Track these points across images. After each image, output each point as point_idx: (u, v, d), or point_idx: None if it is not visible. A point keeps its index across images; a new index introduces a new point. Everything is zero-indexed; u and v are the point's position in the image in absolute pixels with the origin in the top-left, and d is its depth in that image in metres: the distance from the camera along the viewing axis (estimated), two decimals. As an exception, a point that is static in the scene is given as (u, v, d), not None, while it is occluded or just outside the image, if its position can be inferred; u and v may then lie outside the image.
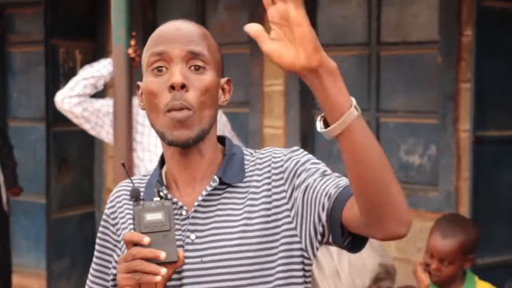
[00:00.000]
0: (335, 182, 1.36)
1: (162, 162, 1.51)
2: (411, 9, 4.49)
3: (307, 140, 4.77)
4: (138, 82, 1.49)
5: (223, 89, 1.48)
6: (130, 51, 3.44)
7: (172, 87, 1.37)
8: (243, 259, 1.38)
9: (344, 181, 1.37)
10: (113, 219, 1.50)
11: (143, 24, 5.23)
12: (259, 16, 4.78)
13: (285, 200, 1.41)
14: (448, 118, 4.21)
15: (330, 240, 1.37)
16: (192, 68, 1.40)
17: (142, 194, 1.46)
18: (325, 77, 1.20)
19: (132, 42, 3.45)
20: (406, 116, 4.54)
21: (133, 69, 3.52)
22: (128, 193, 1.48)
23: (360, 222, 1.27)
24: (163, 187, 1.43)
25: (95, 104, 3.56)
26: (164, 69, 1.40)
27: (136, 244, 1.29)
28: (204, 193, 1.42)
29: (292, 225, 1.40)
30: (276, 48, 1.18)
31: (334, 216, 1.33)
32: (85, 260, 5.48)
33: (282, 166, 1.43)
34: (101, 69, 3.60)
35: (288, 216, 1.40)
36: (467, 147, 3.97)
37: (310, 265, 1.43)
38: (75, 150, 5.35)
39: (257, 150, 1.52)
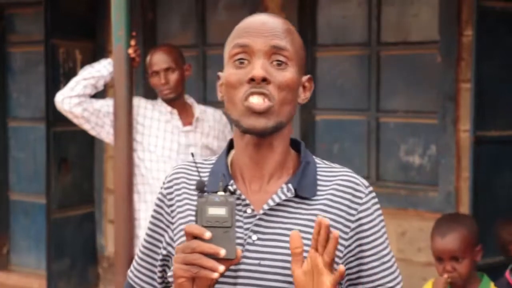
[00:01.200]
0: None
1: (228, 149, 1.49)
2: (411, 9, 4.49)
3: (308, 140, 4.77)
4: (219, 73, 1.48)
5: (304, 87, 1.46)
6: (130, 51, 3.44)
7: (252, 80, 1.35)
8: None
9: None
10: (169, 200, 1.48)
11: (143, 24, 5.23)
12: (259, 16, 4.77)
13: (344, 242, 1.41)
14: (448, 118, 4.21)
15: None
16: (275, 63, 1.38)
17: (206, 181, 1.45)
18: None
19: (132, 42, 3.45)
20: (406, 116, 4.54)
21: (133, 69, 3.52)
22: (187, 175, 1.48)
23: None
24: (232, 181, 1.42)
25: (95, 104, 3.55)
26: (246, 61, 1.38)
27: (195, 237, 1.28)
28: (277, 199, 1.40)
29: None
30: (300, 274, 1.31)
31: None
32: (85, 260, 5.48)
33: (358, 218, 1.42)
34: (101, 69, 3.60)
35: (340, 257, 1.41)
36: (467, 147, 3.97)
37: None
38: (75, 150, 5.35)
39: (327, 162, 1.50)
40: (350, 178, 1.45)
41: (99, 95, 3.95)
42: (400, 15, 4.53)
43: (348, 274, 1.42)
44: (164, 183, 1.51)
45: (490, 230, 3.39)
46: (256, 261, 1.37)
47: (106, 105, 3.57)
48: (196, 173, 1.48)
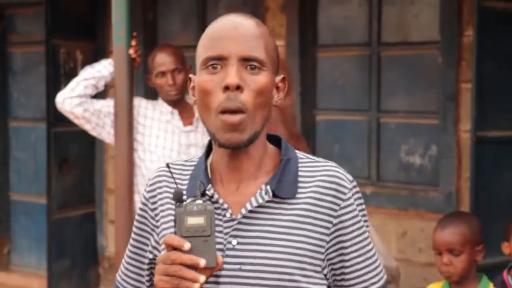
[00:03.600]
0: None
1: (208, 151, 1.49)
2: (411, 9, 4.49)
3: (308, 140, 4.77)
4: (191, 75, 1.48)
5: (277, 87, 1.46)
6: (131, 51, 3.43)
7: (227, 88, 1.35)
8: (282, 274, 1.37)
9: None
10: (152, 203, 1.50)
11: (144, 24, 5.23)
12: (260, 16, 4.78)
13: (326, 238, 1.42)
14: (449, 119, 4.21)
15: None
16: (248, 67, 1.38)
17: (186, 185, 1.45)
18: None
19: (133, 43, 3.45)
20: (406, 117, 4.54)
21: (134, 70, 3.52)
22: (169, 177, 1.48)
23: None
24: (210, 185, 1.42)
25: (96, 104, 3.55)
26: (219, 67, 1.38)
27: (175, 248, 1.28)
28: (254, 203, 1.39)
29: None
30: None
31: None
32: (86, 260, 5.48)
33: (340, 215, 1.42)
34: (101, 70, 3.60)
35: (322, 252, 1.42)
36: (468, 148, 3.97)
37: None
38: (76, 151, 5.35)
39: (314, 157, 1.49)
40: (334, 173, 1.44)
41: (100, 95, 3.95)
42: (401, 15, 4.52)
43: (332, 270, 1.42)
44: (147, 186, 1.52)
45: (490, 230, 3.39)
46: (237, 266, 1.37)
47: (107, 105, 3.57)
48: (179, 177, 1.48)
